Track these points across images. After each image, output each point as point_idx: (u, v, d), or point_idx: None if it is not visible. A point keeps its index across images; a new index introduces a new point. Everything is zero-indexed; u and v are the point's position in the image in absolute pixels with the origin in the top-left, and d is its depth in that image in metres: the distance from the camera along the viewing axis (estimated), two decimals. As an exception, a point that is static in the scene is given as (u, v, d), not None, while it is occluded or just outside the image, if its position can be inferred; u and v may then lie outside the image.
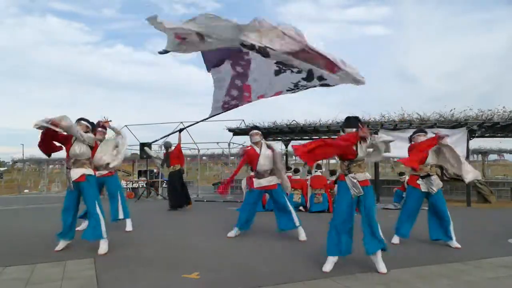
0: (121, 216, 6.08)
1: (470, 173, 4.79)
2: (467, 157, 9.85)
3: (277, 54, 4.15)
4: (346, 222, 3.71)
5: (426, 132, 5.07)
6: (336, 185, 8.61)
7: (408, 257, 4.20)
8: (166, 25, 4.35)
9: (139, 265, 3.91)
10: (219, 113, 6.05)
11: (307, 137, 13.79)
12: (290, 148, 15.04)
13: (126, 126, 13.55)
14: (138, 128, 13.69)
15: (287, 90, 5.36)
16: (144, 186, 13.04)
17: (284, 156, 13.70)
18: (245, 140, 13.66)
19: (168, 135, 7.60)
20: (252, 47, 4.19)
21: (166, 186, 12.12)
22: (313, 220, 7.03)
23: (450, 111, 9.90)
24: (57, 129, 4.18)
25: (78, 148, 4.50)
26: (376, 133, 10.16)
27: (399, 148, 9.77)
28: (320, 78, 4.54)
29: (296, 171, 9.38)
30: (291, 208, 5.33)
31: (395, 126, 10.32)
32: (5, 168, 41.28)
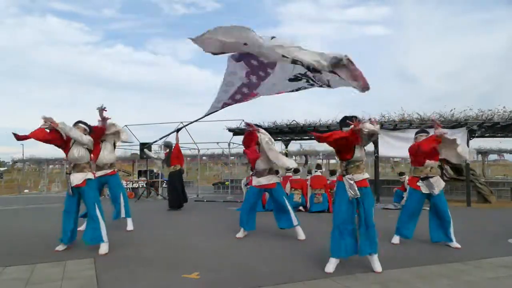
0: (122, 215, 6.11)
1: (460, 148, 4.80)
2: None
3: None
4: (346, 222, 3.71)
5: (428, 132, 5.05)
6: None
7: (408, 257, 4.21)
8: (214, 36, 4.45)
9: (139, 265, 3.91)
10: (215, 111, 6.08)
11: (307, 137, 13.79)
12: (290, 148, 15.08)
13: (126, 126, 13.56)
14: (138, 128, 13.68)
15: (290, 91, 5.40)
16: (144, 186, 13.04)
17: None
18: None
19: (167, 135, 7.59)
20: (307, 67, 4.32)
21: (166, 186, 12.11)
22: (313, 220, 7.03)
23: (450, 111, 9.89)
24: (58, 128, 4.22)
25: (77, 152, 4.50)
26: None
27: (399, 148, 9.88)
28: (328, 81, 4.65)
29: (296, 171, 9.37)
30: (289, 207, 5.34)
31: (395, 126, 10.31)
32: (5, 168, 41.23)
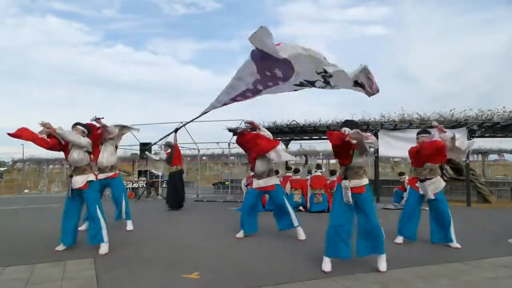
0: (123, 216, 6.15)
1: (459, 142, 4.82)
2: (467, 157, 9.85)
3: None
4: (343, 224, 3.69)
5: (430, 133, 5.02)
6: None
7: (408, 257, 4.20)
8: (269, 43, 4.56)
9: (139, 265, 3.91)
10: (212, 110, 6.11)
11: (307, 137, 13.79)
12: (290, 148, 15.07)
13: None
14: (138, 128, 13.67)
15: (288, 91, 5.45)
16: (144, 186, 13.04)
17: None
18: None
19: (167, 135, 7.58)
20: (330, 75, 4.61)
21: (166, 186, 12.11)
22: (313, 220, 7.02)
23: (450, 111, 9.90)
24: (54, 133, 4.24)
25: (77, 155, 4.50)
26: (376, 133, 10.18)
27: (399, 148, 9.89)
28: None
29: (296, 171, 9.37)
30: (289, 208, 5.34)
31: (395, 126, 10.32)
32: (5, 168, 41.22)
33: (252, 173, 6.49)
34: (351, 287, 3.22)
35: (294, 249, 4.67)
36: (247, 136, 5.52)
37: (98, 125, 5.33)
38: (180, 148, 9.58)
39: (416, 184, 4.96)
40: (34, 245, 4.89)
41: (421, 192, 4.91)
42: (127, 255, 4.39)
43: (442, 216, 4.87)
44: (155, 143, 10.54)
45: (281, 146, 5.27)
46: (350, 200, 3.62)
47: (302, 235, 5.23)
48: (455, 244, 4.74)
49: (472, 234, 5.65)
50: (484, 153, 28.14)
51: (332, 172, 9.65)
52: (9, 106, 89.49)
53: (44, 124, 4.22)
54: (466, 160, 9.89)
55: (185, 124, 7.82)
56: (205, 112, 5.99)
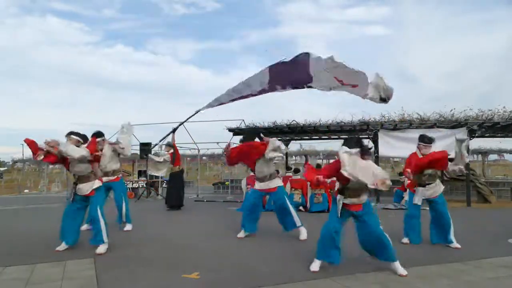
0: (124, 219, 6.19)
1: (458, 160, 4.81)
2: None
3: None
4: (338, 231, 3.69)
5: (430, 143, 4.86)
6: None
7: (408, 257, 4.20)
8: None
9: (139, 265, 3.91)
10: (208, 108, 6.15)
11: (307, 137, 13.79)
12: (290, 148, 15.06)
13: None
14: (138, 128, 13.55)
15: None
16: (144, 186, 13.04)
17: (284, 156, 13.70)
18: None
19: (166, 136, 7.60)
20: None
21: (166, 186, 12.10)
22: (313, 220, 7.01)
23: (450, 111, 9.88)
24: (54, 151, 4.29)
25: (78, 166, 4.53)
26: (376, 133, 10.17)
27: (399, 148, 9.89)
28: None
29: (296, 171, 9.37)
30: (291, 209, 5.34)
31: (395, 126, 10.31)
32: (5, 168, 41.21)
33: (252, 173, 6.49)
34: (351, 287, 3.22)
35: (294, 249, 4.67)
36: (233, 152, 5.52)
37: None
38: (180, 148, 9.57)
39: (414, 189, 5.00)
40: (34, 245, 4.89)
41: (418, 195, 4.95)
42: (127, 255, 4.39)
43: (442, 218, 4.88)
44: (155, 145, 10.55)
45: (273, 145, 5.24)
46: (339, 214, 3.66)
47: (304, 235, 5.23)
48: (455, 244, 4.74)
49: (472, 234, 5.65)
50: (484, 153, 28.10)
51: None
52: (9, 106, 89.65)
53: (48, 143, 4.27)
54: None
55: (182, 123, 7.82)
56: (197, 112, 6.04)
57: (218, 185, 16.71)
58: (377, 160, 11.07)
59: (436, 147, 4.99)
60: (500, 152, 29.54)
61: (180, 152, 9.82)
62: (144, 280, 3.41)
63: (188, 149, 15.96)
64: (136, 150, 11.94)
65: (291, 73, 5.20)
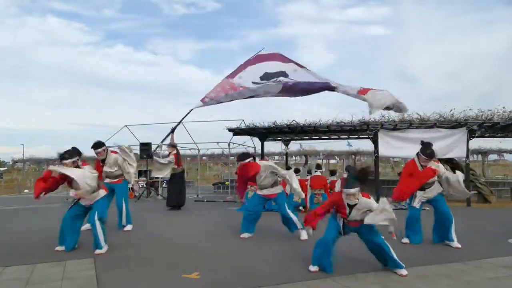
0: (124, 222, 6.18)
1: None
2: (467, 157, 9.85)
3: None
4: (333, 239, 3.70)
5: (431, 158, 4.82)
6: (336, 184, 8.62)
7: (408, 257, 4.20)
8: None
9: (139, 265, 3.91)
10: (204, 106, 6.17)
11: (307, 137, 13.79)
12: (290, 148, 15.05)
13: (126, 126, 13.56)
14: (138, 128, 13.68)
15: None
16: (144, 186, 13.03)
17: (284, 156, 13.70)
18: (245, 140, 13.67)
19: (165, 137, 7.60)
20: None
21: (166, 186, 12.09)
22: (313, 220, 7.02)
23: (450, 111, 9.87)
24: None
25: (77, 186, 4.52)
26: (376, 133, 10.17)
27: (399, 148, 9.89)
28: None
29: (297, 171, 9.36)
30: (291, 215, 5.42)
31: (395, 126, 10.30)
32: (5, 168, 41.23)
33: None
34: (351, 287, 3.22)
35: (294, 249, 4.67)
36: (238, 178, 5.93)
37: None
38: (180, 148, 9.55)
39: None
40: (34, 245, 4.89)
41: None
42: (127, 255, 4.39)
43: (443, 217, 4.89)
44: (158, 147, 10.52)
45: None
46: (342, 232, 3.74)
47: (304, 235, 5.24)
48: (455, 244, 4.74)
49: (472, 234, 5.65)
50: (484, 153, 28.08)
51: (332, 172, 9.66)
52: (9, 106, 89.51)
53: (54, 171, 4.39)
54: (466, 160, 9.89)
55: (179, 123, 7.80)
56: (190, 111, 6.06)
57: (218, 185, 16.69)
58: (377, 160, 11.08)
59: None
60: (500, 152, 29.52)
61: (180, 152, 9.81)
62: (144, 280, 3.41)
63: (188, 149, 15.96)
64: (136, 150, 11.93)
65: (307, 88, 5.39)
